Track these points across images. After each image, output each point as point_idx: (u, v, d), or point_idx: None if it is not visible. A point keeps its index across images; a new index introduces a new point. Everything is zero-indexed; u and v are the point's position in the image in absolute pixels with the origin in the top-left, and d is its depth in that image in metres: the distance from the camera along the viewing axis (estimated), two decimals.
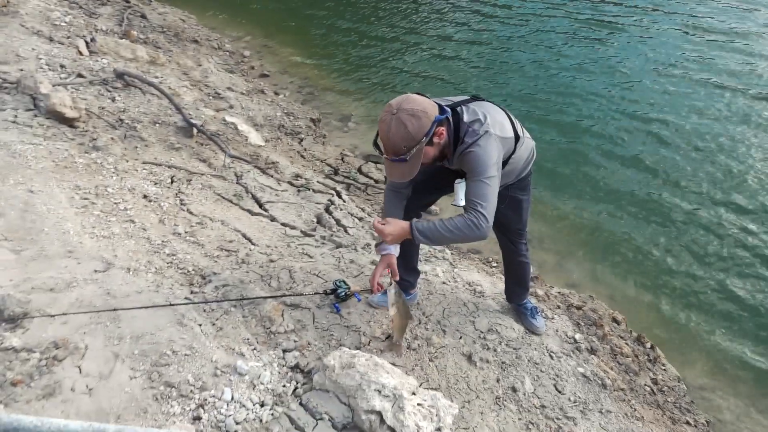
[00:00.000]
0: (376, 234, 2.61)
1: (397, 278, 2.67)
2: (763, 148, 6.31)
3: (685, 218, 5.37)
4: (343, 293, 2.92)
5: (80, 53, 5.14)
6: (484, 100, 2.55)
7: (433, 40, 8.97)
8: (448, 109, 2.34)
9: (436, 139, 2.28)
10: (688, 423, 3.29)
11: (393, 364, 2.58)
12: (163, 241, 3.09)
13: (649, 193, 5.70)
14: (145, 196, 3.50)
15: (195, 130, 4.58)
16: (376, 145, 2.29)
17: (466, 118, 2.35)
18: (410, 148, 2.20)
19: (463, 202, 2.39)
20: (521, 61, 8.38)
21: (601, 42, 8.94)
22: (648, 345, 3.83)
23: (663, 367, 3.72)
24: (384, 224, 2.36)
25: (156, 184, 3.71)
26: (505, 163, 2.52)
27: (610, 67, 8.17)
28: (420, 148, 2.22)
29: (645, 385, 3.41)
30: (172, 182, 3.81)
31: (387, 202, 2.65)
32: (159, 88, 4.87)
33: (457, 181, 2.47)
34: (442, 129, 2.30)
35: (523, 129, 2.67)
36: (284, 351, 2.49)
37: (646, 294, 4.57)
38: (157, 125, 4.50)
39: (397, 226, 2.36)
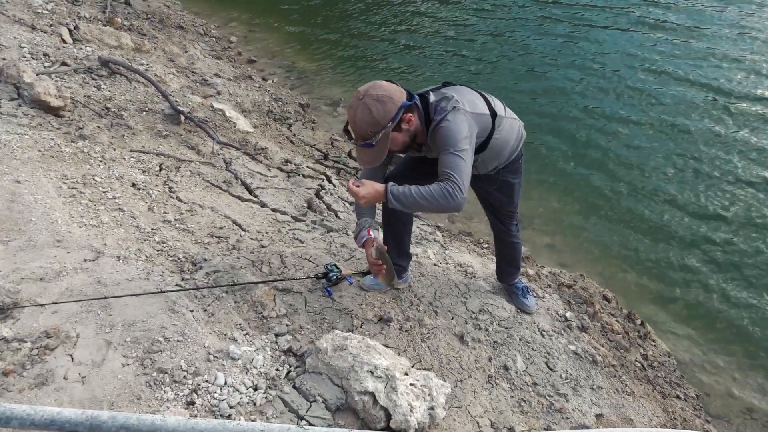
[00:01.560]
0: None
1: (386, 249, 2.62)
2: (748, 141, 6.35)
3: (677, 197, 5.41)
4: (335, 277, 2.92)
5: (64, 41, 5.06)
6: (455, 84, 2.56)
7: (426, 27, 8.90)
8: (417, 96, 2.38)
9: (404, 126, 2.32)
10: (677, 397, 3.34)
11: (385, 345, 2.60)
12: (152, 229, 3.08)
13: (642, 173, 5.72)
14: (133, 185, 3.48)
15: (182, 117, 4.54)
16: (346, 131, 2.33)
17: (432, 99, 2.38)
18: (376, 133, 2.24)
19: None
20: (512, 51, 8.35)
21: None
22: (638, 322, 3.87)
23: (653, 343, 3.77)
24: (359, 185, 2.34)
25: (144, 172, 3.69)
26: (486, 142, 2.54)
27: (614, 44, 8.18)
28: (386, 134, 2.25)
29: (635, 361, 3.45)
30: (160, 170, 3.79)
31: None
32: (145, 75, 4.82)
33: None
34: (411, 116, 2.33)
35: (506, 108, 2.67)
36: (277, 335, 2.50)
37: (636, 272, 4.60)
38: (144, 113, 4.46)
39: (371, 188, 2.33)
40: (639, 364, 3.44)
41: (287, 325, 2.58)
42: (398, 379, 2.20)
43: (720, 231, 4.98)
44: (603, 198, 5.40)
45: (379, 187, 2.33)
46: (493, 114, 2.53)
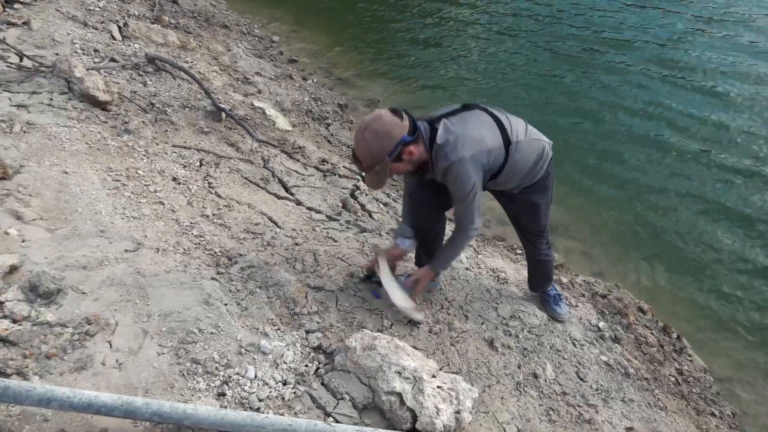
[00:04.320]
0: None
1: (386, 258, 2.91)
2: None
3: (716, 206, 5.27)
4: (377, 277, 2.95)
5: (113, 38, 5.23)
6: (475, 107, 2.58)
7: (465, 35, 8.86)
8: (423, 127, 2.47)
9: (406, 157, 2.43)
10: (713, 414, 3.25)
11: (414, 347, 2.61)
12: (191, 223, 3.16)
13: (677, 182, 5.59)
14: (174, 179, 3.57)
15: (223, 115, 4.64)
16: (354, 156, 2.47)
17: (439, 138, 2.45)
18: (375, 164, 2.39)
19: None
20: (556, 68, 8.25)
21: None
22: (674, 335, 3.78)
23: (689, 358, 3.67)
24: (418, 285, 2.83)
25: (185, 167, 3.78)
26: (500, 170, 2.59)
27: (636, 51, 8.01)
28: (383, 166, 2.40)
29: (669, 375, 3.37)
30: (200, 165, 3.88)
31: (404, 209, 2.99)
32: (189, 72, 4.94)
33: None
34: (412, 148, 2.41)
35: (528, 130, 2.67)
36: (307, 332, 2.53)
37: (673, 284, 4.51)
38: (187, 109, 4.57)
39: (424, 278, 2.83)
40: (673, 379, 3.36)
41: (318, 323, 2.61)
42: (425, 381, 2.21)
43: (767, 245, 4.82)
44: (643, 207, 5.30)
45: (425, 274, 2.83)
46: (507, 142, 2.55)
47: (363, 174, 2.70)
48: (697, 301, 4.33)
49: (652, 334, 3.64)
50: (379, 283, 2.87)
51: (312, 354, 2.43)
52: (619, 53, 8.07)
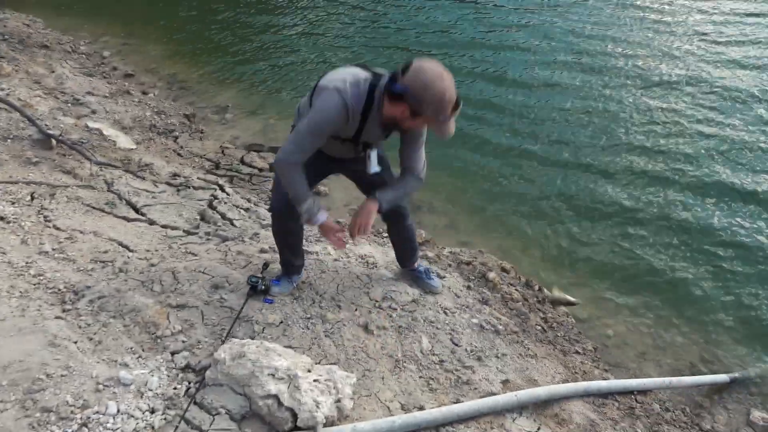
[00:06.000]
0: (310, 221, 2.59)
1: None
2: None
3: (570, 164, 5.75)
4: (261, 285, 2.86)
5: None
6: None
7: (308, 29, 8.86)
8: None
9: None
10: (577, 352, 3.54)
11: (289, 346, 2.58)
12: (27, 263, 2.87)
13: (528, 149, 6.01)
14: (1, 218, 3.23)
15: (54, 141, 4.26)
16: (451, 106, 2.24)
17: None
18: None
19: (375, 169, 2.61)
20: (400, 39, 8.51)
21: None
22: (536, 287, 4.07)
23: (551, 306, 3.97)
24: (360, 227, 2.56)
25: (13, 203, 3.43)
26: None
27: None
28: None
29: (536, 324, 3.62)
30: (32, 199, 3.54)
31: (295, 184, 2.47)
32: (6, 101, 4.48)
33: (369, 150, 2.60)
34: None
35: None
36: (172, 353, 2.41)
37: (532, 241, 4.83)
38: (9, 141, 4.15)
39: (369, 215, 2.58)
40: (540, 327, 3.61)
41: (183, 342, 2.49)
42: (301, 378, 2.18)
43: (609, 192, 5.32)
44: (497, 177, 5.63)
45: (371, 206, 2.57)
46: None
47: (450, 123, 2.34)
48: (554, 255, 4.68)
49: (517, 290, 3.88)
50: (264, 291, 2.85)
51: (180, 375, 2.31)
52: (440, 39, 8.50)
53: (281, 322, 2.80)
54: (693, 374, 3.66)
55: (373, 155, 2.62)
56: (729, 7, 9.45)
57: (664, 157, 5.78)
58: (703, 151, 5.83)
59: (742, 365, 3.72)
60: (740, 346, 3.87)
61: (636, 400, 3.18)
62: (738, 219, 4.97)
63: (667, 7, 9.63)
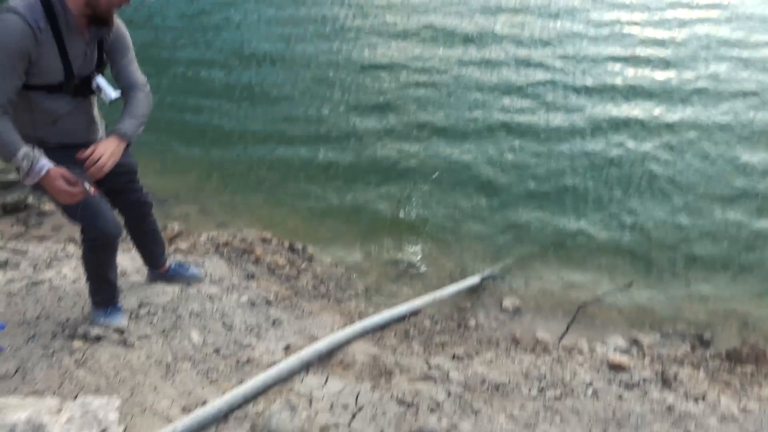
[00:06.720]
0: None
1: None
2: None
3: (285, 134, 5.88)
4: None
5: None
6: None
7: None
8: None
9: None
10: (350, 297, 3.70)
11: (33, 392, 2.24)
12: None
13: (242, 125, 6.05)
14: None
15: None
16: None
17: None
18: None
19: (114, 94, 2.30)
20: None
21: None
22: (301, 248, 4.12)
23: (319, 261, 4.07)
24: (98, 164, 2.12)
25: None
26: None
27: None
28: None
29: (307, 283, 3.69)
30: None
31: (4, 133, 2.05)
32: None
33: (95, 79, 2.31)
34: None
35: None
36: None
37: (287, 205, 4.86)
38: None
39: (116, 149, 2.21)
40: (311, 285, 3.69)
41: None
42: (49, 424, 1.91)
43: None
44: (233, 155, 5.56)
45: (116, 141, 2.22)
46: None
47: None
48: (307, 211, 4.77)
49: (281, 256, 3.89)
50: None
51: None
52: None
53: (17, 369, 2.40)
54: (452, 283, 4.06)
55: (103, 80, 2.32)
56: None
57: None
58: None
59: (488, 266, 4.21)
60: (480, 250, 4.39)
61: (410, 323, 3.43)
62: None
63: None
